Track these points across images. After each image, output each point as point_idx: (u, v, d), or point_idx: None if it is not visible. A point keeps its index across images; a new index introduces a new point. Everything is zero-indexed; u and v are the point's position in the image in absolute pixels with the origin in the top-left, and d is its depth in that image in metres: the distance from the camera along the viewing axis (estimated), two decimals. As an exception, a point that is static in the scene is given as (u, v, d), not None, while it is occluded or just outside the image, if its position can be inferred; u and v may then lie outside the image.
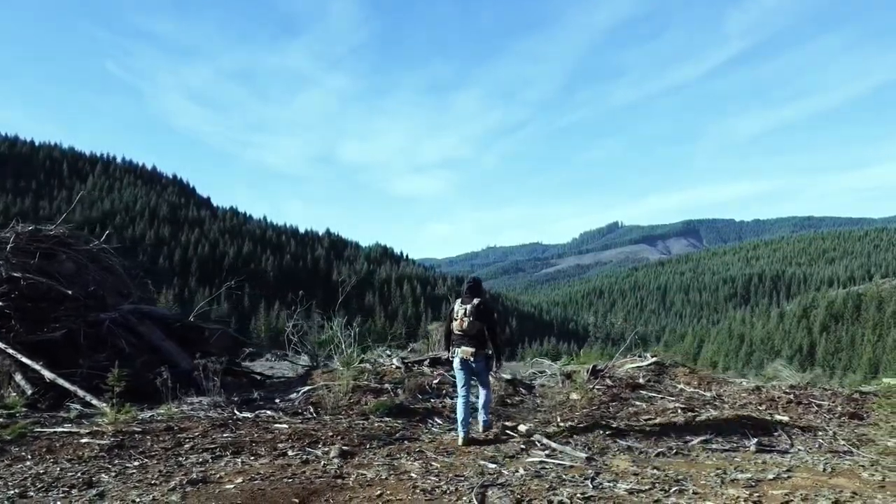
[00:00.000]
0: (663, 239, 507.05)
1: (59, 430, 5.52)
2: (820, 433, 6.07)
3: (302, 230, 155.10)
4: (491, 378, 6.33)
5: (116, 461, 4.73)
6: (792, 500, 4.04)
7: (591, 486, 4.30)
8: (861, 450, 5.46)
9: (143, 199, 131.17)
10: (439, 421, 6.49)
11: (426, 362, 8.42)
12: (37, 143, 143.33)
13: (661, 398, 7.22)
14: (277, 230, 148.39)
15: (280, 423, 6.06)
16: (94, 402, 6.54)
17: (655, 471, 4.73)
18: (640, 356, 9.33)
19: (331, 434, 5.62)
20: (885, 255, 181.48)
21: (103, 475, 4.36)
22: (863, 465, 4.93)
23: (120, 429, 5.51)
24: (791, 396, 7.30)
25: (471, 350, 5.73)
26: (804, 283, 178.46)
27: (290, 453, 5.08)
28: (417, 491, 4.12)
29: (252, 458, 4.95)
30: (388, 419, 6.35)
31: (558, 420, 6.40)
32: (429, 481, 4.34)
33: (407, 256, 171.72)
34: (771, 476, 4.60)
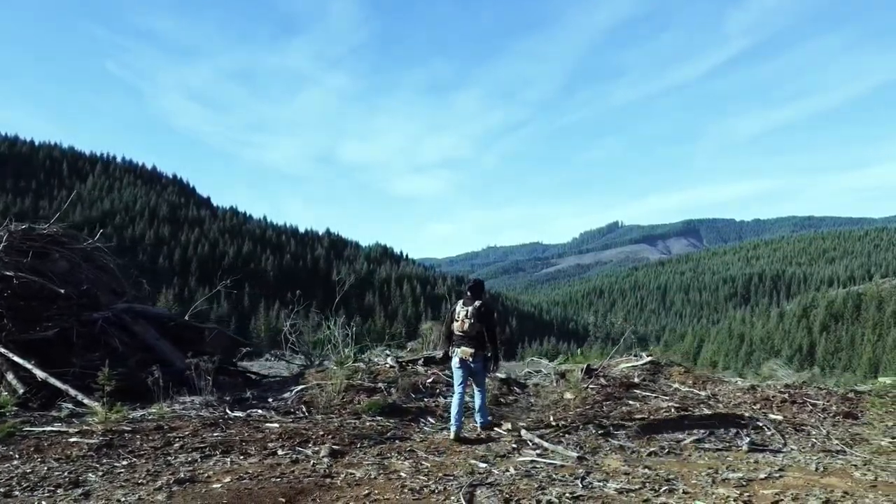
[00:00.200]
0: (663, 239, 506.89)
1: (49, 429, 5.49)
2: (813, 432, 6.05)
3: (302, 230, 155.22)
4: (486, 379, 6.38)
5: (105, 460, 4.70)
6: (782, 500, 4.02)
7: (580, 485, 4.27)
8: (854, 449, 5.44)
9: (143, 199, 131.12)
10: (432, 420, 6.46)
11: (420, 362, 8.40)
12: (37, 143, 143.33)
13: (656, 397, 7.19)
14: (277, 230, 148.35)
15: (271, 422, 6.03)
16: (86, 401, 6.51)
17: (647, 470, 4.71)
18: (635, 355, 9.30)
19: (321, 433, 5.59)
20: (885, 255, 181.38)
21: (90, 474, 4.34)
22: (855, 465, 4.91)
23: (110, 428, 5.49)
24: (786, 396, 7.27)
25: (470, 350, 5.83)
26: (804, 283, 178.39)
27: (279, 452, 5.05)
28: (405, 490, 4.10)
29: (241, 457, 4.92)
30: (380, 418, 6.32)
31: (551, 419, 6.37)
32: (417, 481, 4.31)
33: (407, 256, 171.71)
34: (762, 475, 4.58)
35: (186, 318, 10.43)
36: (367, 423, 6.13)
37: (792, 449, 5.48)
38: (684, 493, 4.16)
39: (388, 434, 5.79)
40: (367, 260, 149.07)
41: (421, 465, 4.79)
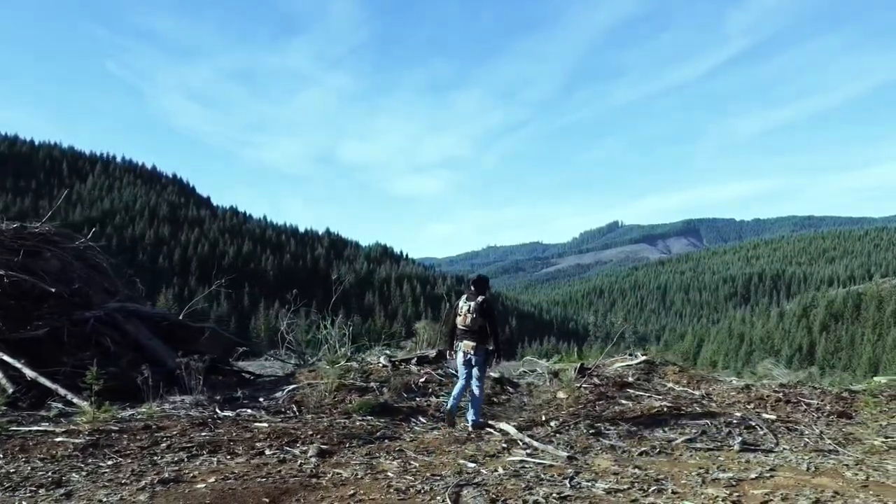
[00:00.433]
0: (663, 238, 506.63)
1: (35, 428, 5.45)
2: (807, 432, 6.01)
3: (302, 229, 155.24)
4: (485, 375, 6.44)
5: (90, 460, 4.66)
6: (772, 500, 3.98)
7: (568, 485, 4.23)
8: (847, 449, 5.40)
9: (143, 199, 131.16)
10: (423, 420, 6.42)
11: (413, 361, 8.36)
12: (37, 143, 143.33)
13: (649, 397, 7.15)
14: (277, 229, 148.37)
15: (260, 421, 5.99)
16: (76, 400, 6.47)
17: (637, 470, 4.67)
18: (630, 355, 9.26)
19: (310, 433, 5.55)
20: (885, 255, 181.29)
21: (74, 474, 4.29)
22: (847, 465, 4.87)
23: (97, 427, 5.45)
24: (780, 395, 7.23)
25: (472, 344, 6.06)
26: (804, 283, 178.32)
27: (267, 452, 5.01)
28: (391, 490, 4.06)
29: (228, 457, 4.88)
30: (370, 418, 6.28)
31: (543, 419, 6.34)
32: (404, 480, 4.27)
33: (407, 256, 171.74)
34: (753, 475, 4.54)
35: (181, 317, 10.40)
36: (358, 423, 6.09)
37: (784, 449, 5.44)
38: (673, 493, 4.12)
39: (378, 434, 5.75)
40: (367, 260, 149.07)
41: (409, 464, 4.75)
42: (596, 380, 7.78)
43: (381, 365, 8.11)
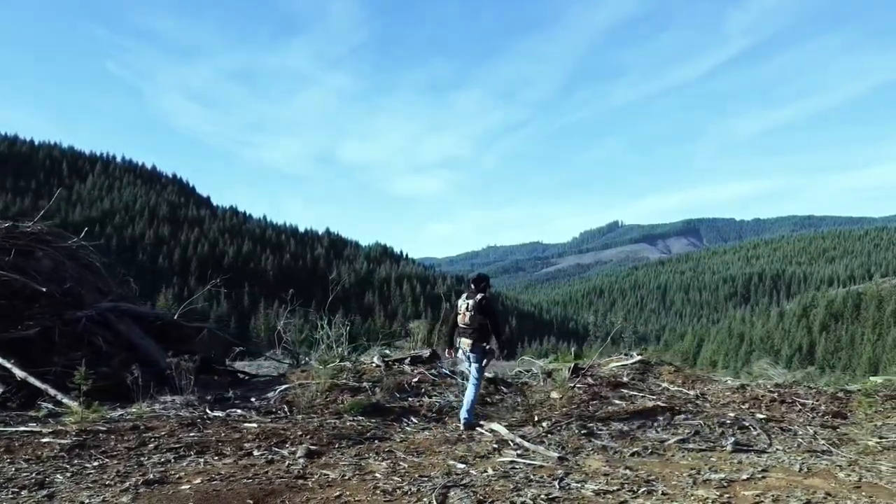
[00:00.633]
0: (663, 238, 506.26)
1: (22, 429, 5.41)
2: (800, 432, 5.96)
3: (302, 229, 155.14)
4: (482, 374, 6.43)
5: (76, 461, 4.62)
6: (763, 502, 3.94)
7: (557, 486, 4.19)
8: (841, 449, 5.35)
9: (143, 199, 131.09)
10: (415, 420, 6.37)
11: (407, 360, 8.31)
12: (36, 143, 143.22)
13: (643, 397, 7.11)
14: (277, 229, 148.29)
15: (250, 422, 5.94)
16: (65, 400, 6.42)
17: (627, 471, 4.62)
18: (626, 354, 9.22)
19: (300, 433, 5.51)
20: (885, 255, 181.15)
21: (58, 475, 4.25)
22: (840, 465, 4.83)
23: (84, 428, 5.40)
24: (775, 395, 7.19)
25: (469, 342, 6.11)
26: (804, 283, 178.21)
27: (255, 453, 4.97)
28: (378, 492, 4.02)
29: (216, 457, 4.84)
30: (361, 418, 6.23)
31: (535, 419, 6.29)
32: (391, 482, 4.23)
33: (407, 256, 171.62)
34: (745, 476, 4.50)
35: (176, 317, 10.35)
36: (348, 423, 6.04)
37: (777, 449, 5.39)
38: (663, 494, 4.08)
39: (368, 434, 5.70)
40: (367, 259, 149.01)
41: (398, 465, 4.71)
42: (590, 380, 7.74)
43: (374, 365, 8.06)
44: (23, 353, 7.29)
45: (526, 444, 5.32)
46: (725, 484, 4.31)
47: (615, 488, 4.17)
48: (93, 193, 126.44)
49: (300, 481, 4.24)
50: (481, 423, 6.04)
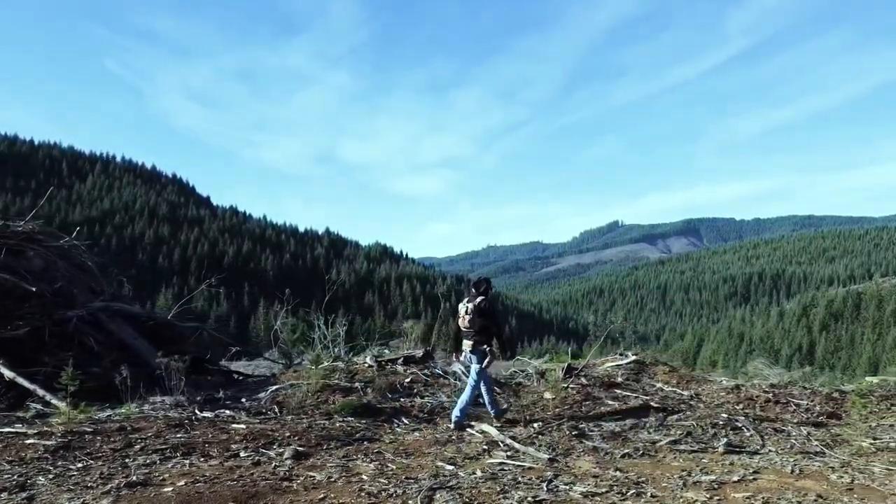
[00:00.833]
0: (663, 238, 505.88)
1: (8, 430, 5.36)
2: (794, 433, 5.90)
3: (302, 229, 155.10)
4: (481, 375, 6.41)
5: (60, 462, 4.57)
6: (752, 504, 3.88)
7: (545, 488, 4.13)
8: (834, 450, 5.30)
9: (143, 199, 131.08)
10: (406, 421, 6.32)
11: (400, 361, 8.26)
12: (36, 143, 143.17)
13: (636, 397, 7.05)
14: (277, 229, 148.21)
15: (238, 422, 5.89)
16: (54, 401, 6.38)
17: (617, 473, 4.57)
18: (621, 354, 9.16)
19: (288, 434, 5.46)
20: (885, 254, 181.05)
21: (40, 477, 4.20)
22: (833, 467, 4.77)
23: (71, 429, 5.35)
24: (770, 395, 7.13)
25: (469, 343, 6.20)
26: (804, 282, 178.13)
27: (242, 454, 4.92)
28: (363, 494, 3.96)
29: (202, 459, 4.79)
30: (351, 419, 6.18)
31: (527, 419, 6.24)
32: (377, 484, 4.18)
33: (407, 255, 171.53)
34: (736, 478, 4.44)
35: (170, 317, 10.30)
36: (338, 424, 5.99)
37: (770, 450, 5.34)
38: (652, 496, 4.03)
39: (358, 435, 5.65)
40: (367, 259, 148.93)
41: (386, 467, 4.66)
42: (584, 380, 7.68)
43: (366, 365, 8.02)
44: (13, 354, 7.25)
45: (516, 445, 5.27)
46: (716, 486, 4.25)
47: (604, 490, 4.12)
48: (93, 193, 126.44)
49: (285, 483, 4.19)
50: (472, 423, 5.99)
